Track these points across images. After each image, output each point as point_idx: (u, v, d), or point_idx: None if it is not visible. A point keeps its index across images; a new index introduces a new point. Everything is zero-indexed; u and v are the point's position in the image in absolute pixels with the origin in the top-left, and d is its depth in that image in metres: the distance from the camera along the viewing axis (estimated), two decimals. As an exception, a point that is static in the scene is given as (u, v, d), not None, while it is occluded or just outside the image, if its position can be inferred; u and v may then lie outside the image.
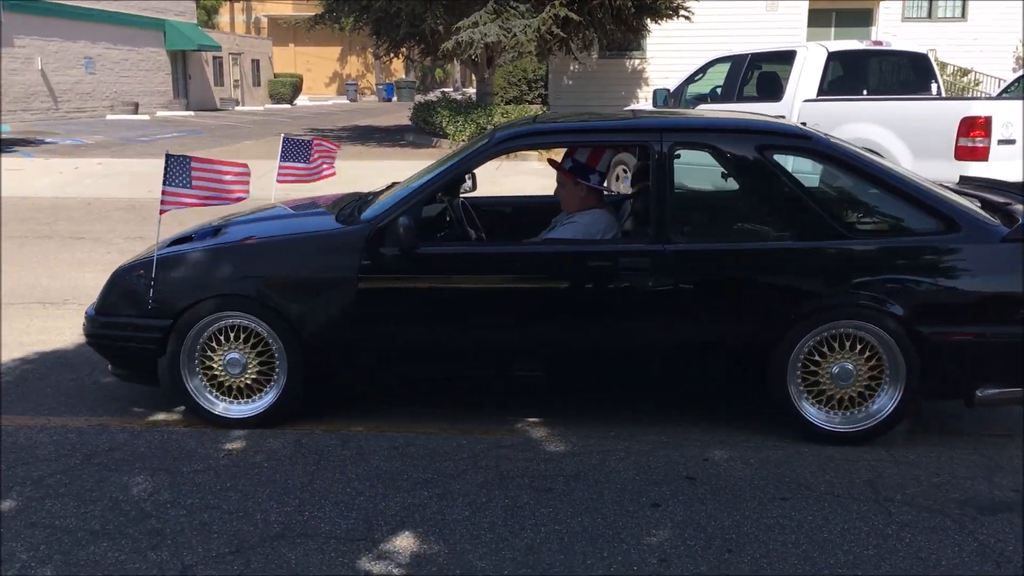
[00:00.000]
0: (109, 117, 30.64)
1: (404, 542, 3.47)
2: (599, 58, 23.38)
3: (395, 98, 50.89)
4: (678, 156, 4.42)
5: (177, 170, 4.86)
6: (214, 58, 41.21)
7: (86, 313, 4.78)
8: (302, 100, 48.34)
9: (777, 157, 4.45)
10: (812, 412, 4.38)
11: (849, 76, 9.93)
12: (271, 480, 3.99)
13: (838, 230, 4.31)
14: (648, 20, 20.17)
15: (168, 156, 4.90)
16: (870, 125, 8.55)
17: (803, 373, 4.34)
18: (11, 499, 3.80)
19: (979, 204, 4.64)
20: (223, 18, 51.10)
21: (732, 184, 4.59)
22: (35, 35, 27.84)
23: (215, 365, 4.56)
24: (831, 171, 4.66)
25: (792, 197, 4.38)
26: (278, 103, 45.75)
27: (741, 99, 10.26)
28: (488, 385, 4.73)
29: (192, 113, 34.89)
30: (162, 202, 4.82)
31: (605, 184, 4.98)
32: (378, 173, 14.49)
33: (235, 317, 4.49)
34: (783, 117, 5.17)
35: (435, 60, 23.17)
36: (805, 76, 9.59)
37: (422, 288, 4.43)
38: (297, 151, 6.31)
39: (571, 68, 23.65)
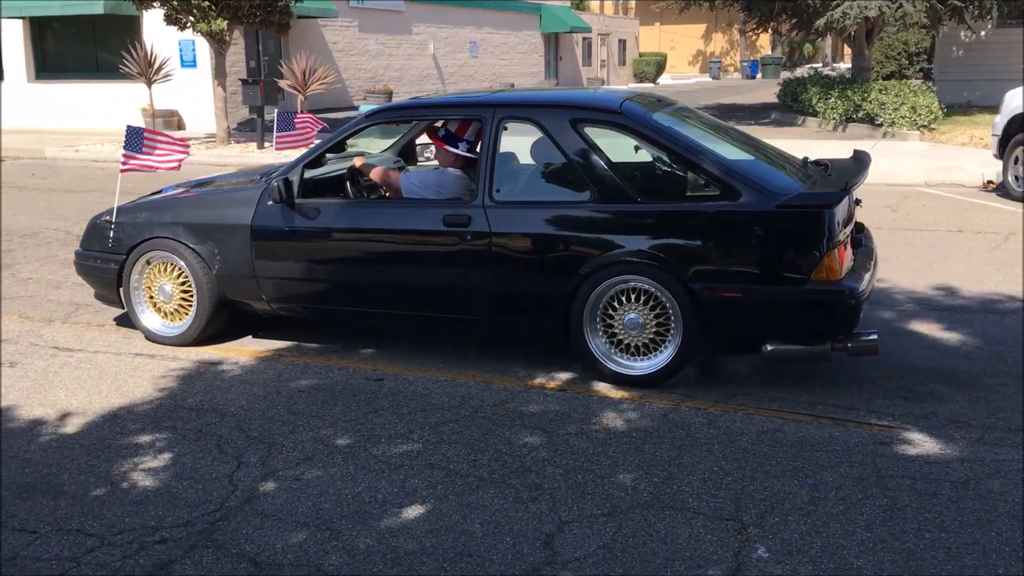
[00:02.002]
0: (487, 97, 32.90)
1: (773, 528, 3.42)
2: (995, 27, 21.05)
3: (759, 75, 49.55)
4: (506, 128, 5.05)
5: (134, 139, 6.07)
6: (583, 39, 42.71)
7: (75, 251, 6.05)
8: (664, 79, 48.66)
9: (588, 130, 4.93)
10: (605, 358, 4.88)
11: None
12: (640, 450, 4.12)
13: (630, 195, 4.77)
14: (1062, -18, 17.83)
15: (128, 127, 6.15)
16: None
17: (602, 322, 4.86)
18: (413, 440, 4.26)
19: (824, 177, 5.02)
20: (594, 1, 52.68)
21: (555, 153, 5.04)
22: (429, 23, 30.58)
23: (154, 293, 5.67)
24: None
25: (594, 165, 4.88)
26: (641, 82, 46.45)
27: None
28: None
29: (561, 93, 36.47)
30: (122, 163, 6.07)
31: (476, 150, 5.36)
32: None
33: (165, 255, 5.58)
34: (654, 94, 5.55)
35: (806, 35, 22.20)
36: None
37: (295, 232, 5.31)
38: (289, 124, 7.37)
39: (961, 38, 21.55)
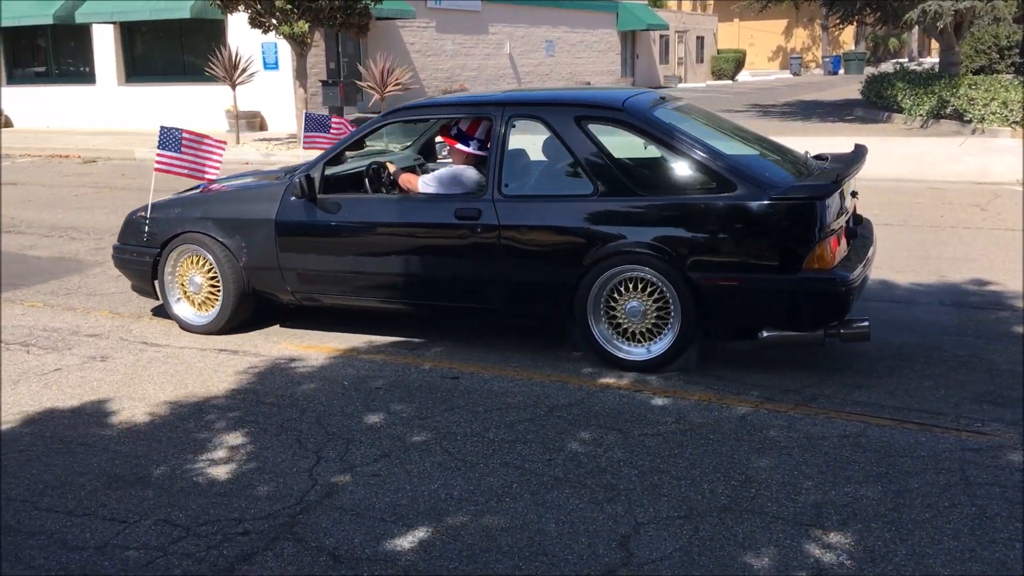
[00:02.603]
0: (563, 96, 32.77)
1: (855, 535, 3.34)
2: (1095, 18, 20.21)
3: (842, 71, 48.46)
4: (514, 125, 5.29)
5: (170, 138, 6.24)
6: (660, 37, 42.31)
7: (113, 245, 6.39)
8: (743, 76, 47.90)
9: (592, 127, 5.14)
10: (609, 344, 5.10)
11: None
12: (716, 452, 4.06)
13: (631, 188, 5.00)
14: None
15: (162, 127, 6.34)
16: None
17: (606, 309, 5.07)
18: (488, 438, 4.28)
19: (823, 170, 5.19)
20: (671, -3, 52.16)
21: (561, 149, 5.24)
22: (506, 23, 30.64)
23: (185, 286, 5.97)
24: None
25: (597, 160, 5.09)
26: (719, 79, 45.83)
27: None
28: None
29: (637, 91, 36.15)
30: (156, 163, 6.26)
31: (488, 148, 5.49)
32: (816, 150, 13.91)
33: (194, 248, 5.87)
34: (658, 95, 5.70)
35: (892, 29, 21.62)
36: None
37: (316, 226, 5.56)
38: (318, 124, 7.48)
39: (1057, 31, 20.73)
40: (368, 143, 6.35)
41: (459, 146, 5.72)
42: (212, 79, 19.03)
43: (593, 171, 5.09)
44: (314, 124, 7.54)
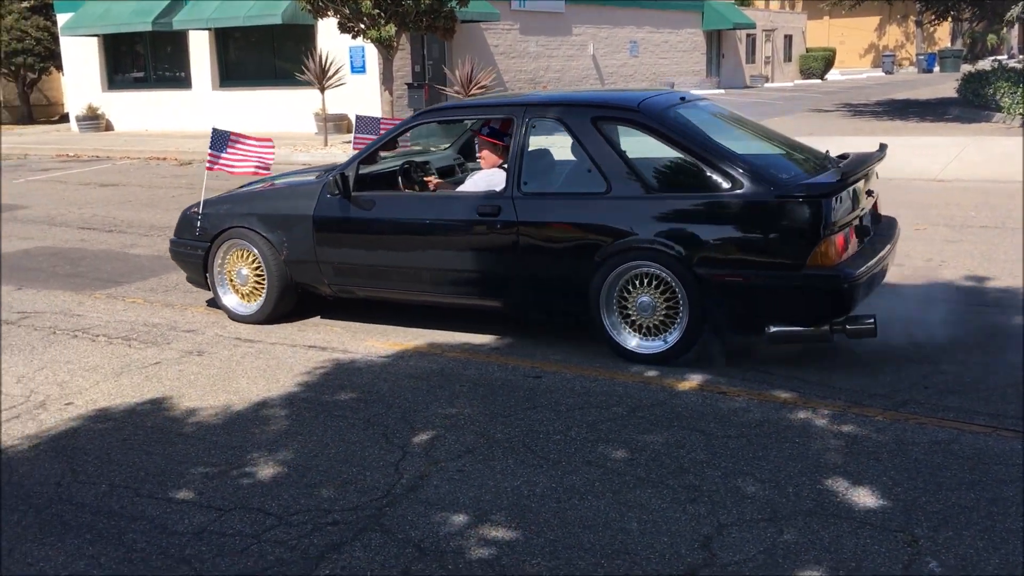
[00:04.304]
0: (647, 97, 32.48)
1: (947, 542, 3.27)
2: None
3: (937, 69, 47.02)
4: (534, 127, 5.50)
5: (219, 140, 6.60)
6: (747, 36, 41.67)
7: (170, 239, 6.78)
8: (833, 74, 46.82)
9: (607, 127, 5.32)
10: (621, 337, 5.28)
11: None
12: (802, 455, 4.01)
13: (642, 186, 5.17)
14: None
15: (214, 129, 6.72)
16: None
17: (619, 304, 5.24)
18: (571, 437, 4.31)
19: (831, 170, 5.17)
20: (758, -5, 51.28)
21: (579, 149, 5.41)
22: (589, 24, 30.60)
23: (233, 278, 6.30)
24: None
25: (611, 159, 5.24)
26: (808, 78, 44.89)
27: None
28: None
29: (722, 91, 35.68)
30: (208, 162, 6.63)
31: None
32: (913, 152, 13.55)
33: (241, 242, 6.20)
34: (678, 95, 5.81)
35: (990, 25, 20.89)
36: None
37: (350, 221, 5.85)
38: (368, 126, 7.75)
39: None
40: (409, 143, 6.70)
41: (497, 141, 6.02)
42: (302, 83, 19.50)
43: (606, 169, 5.25)
44: (364, 126, 7.75)
